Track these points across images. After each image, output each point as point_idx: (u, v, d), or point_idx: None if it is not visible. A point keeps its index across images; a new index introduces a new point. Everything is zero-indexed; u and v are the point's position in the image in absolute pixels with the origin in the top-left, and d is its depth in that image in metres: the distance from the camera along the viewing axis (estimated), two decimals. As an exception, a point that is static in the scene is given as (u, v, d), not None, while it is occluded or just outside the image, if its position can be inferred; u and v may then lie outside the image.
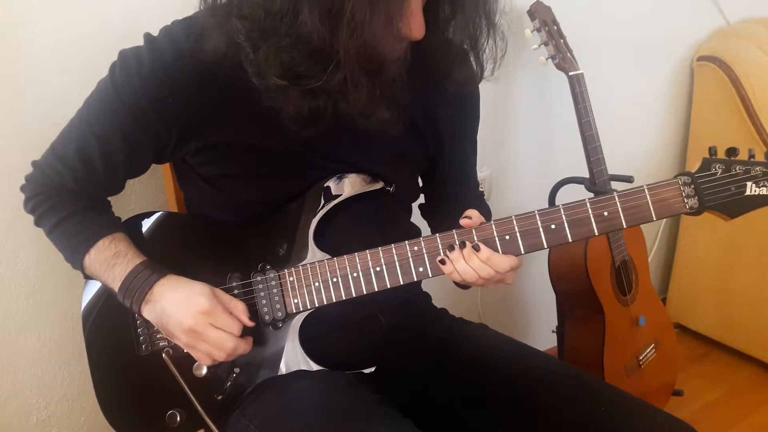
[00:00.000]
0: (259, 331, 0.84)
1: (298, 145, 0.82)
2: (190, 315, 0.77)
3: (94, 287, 0.88)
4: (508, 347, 0.96)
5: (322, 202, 0.84)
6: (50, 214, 0.85)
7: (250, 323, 0.80)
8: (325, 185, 0.85)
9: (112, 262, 0.81)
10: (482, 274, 0.75)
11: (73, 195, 0.85)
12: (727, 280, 1.91)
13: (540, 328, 1.83)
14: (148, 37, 0.78)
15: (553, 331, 1.59)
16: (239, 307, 0.81)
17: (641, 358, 1.55)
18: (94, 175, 0.83)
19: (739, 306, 1.90)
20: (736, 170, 0.73)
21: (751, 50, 1.75)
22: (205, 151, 0.82)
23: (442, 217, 1.02)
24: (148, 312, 0.80)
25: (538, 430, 0.83)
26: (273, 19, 0.65)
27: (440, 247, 0.78)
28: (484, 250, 0.75)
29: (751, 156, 0.74)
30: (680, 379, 1.72)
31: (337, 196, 0.85)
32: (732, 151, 0.74)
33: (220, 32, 0.70)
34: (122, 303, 0.82)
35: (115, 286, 0.81)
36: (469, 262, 0.75)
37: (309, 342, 0.84)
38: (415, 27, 0.69)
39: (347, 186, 0.85)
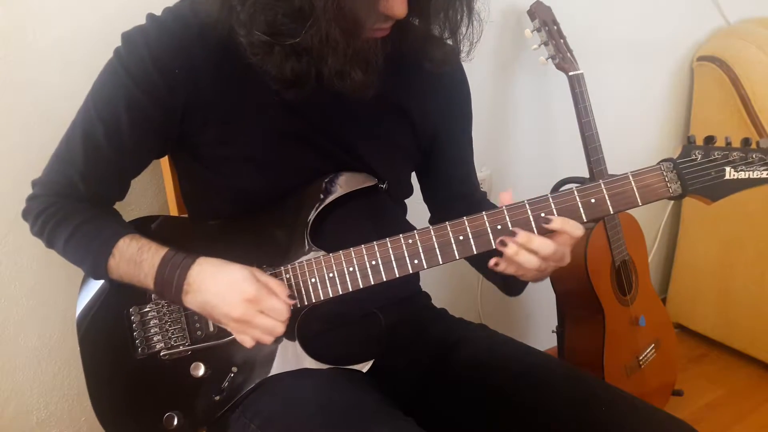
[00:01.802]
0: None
1: (299, 130, 0.83)
2: (237, 305, 0.76)
3: (89, 291, 0.87)
4: (508, 347, 0.96)
5: (318, 199, 0.85)
6: (62, 227, 0.82)
7: (291, 301, 0.79)
8: (320, 183, 0.85)
9: (138, 258, 0.80)
10: (546, 252, 0.75)
11: (82, 202, 0.84)
12: (727, 280, 1.91)
13: (540, 328, 1.83)
14: (151, 15, 0.79)
15: (553, 331, 1.59)
16: (282, 290, 0.79)
17: (641, 358, 1.55)
18: (102, 168, 0.82)
19: (739, 306, 1.90)
20: (714, 155, 0.77)
21: (750, 50, 1.75)
22: (210, 130, 0.82)
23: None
24: (189, 302, 0.79)
25: (538, 430, 0.83)
26: None
27: (434, 239, 0.78)
28: (521, 233, 0.76)
29: (728, 143, 0.78)
30: (680, 379, 1.73)
31: (332, 193, 0.85)
32: (710, 139, 0.78)
33: None
34: (162, 299, 0.81)
35: (149, 282, 0.79)
36: (530, 245, 0.75)
37: (307, 340, 0.84)
38: (397, 4, 0.70)
39: (341, 184, 0.86)
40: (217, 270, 0.79)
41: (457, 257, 0.79)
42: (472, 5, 0.78)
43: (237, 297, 0.76)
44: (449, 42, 0.81)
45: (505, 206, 0.78)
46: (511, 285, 0.94)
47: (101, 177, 0.83)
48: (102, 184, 0.85)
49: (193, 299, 0.79)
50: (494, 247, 0.78)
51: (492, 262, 0.78)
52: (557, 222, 0.76)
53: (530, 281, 0.84)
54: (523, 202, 0.78)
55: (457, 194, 1.03)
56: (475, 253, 0.78)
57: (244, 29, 0.71)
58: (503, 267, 0.78)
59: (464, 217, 0.78)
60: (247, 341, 0.79)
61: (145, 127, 0.80)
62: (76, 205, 0.83)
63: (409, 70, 0.85)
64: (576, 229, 0.76)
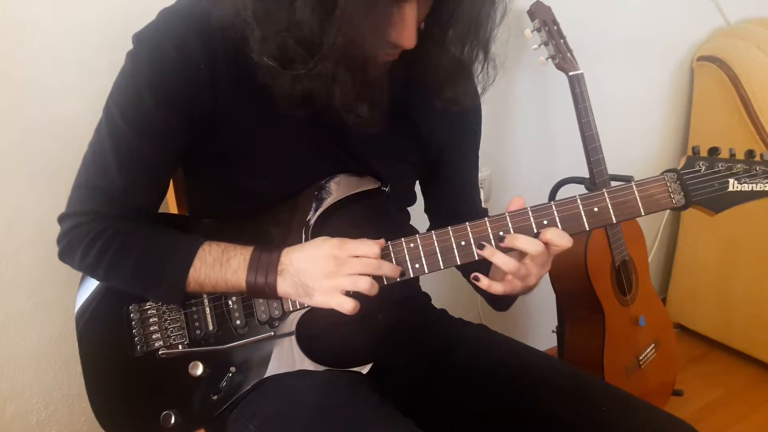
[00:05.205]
0: (256, 330, 0.84)
1: (307, 132, 0.82)
2: (326, 256, 0.77)
3: (88, 288, 0.87)
4: (508, 347, 0.96)
5: (320, 200, 0.85)
6: (126, 252, 0.79)
7: (381, 242, 0.79)
8: (323, 184, 0.85)
9: (223, 258, 0.79)
10: (534, 250, 0.76)
11: (130, 223, 0.81)
12: (727, 280, 1.91)
13: (540, 328, 1.82)
14: (164, 11, 0.77)
15: (553, 331, 1.59)
16: (365, 239, 0.79)
17: (641, 358, 1.55)
18: (140, 175, 0.79)
19: (739, 306, 1.90)
20: (718, 167, 0.77)
21: (751, 50, 1.75)
22: (221, 129, 0.81)
23: None
24: (283, 283, 0.78)
25: (538, 430, 0.83)
26: (273, 2, 0.66)
27: (436, 243, 0.78)
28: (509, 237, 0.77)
29: (732, 154, 0.78)
30: (680, 379, 1.73)
31: (335, 195, 0.85)
32: (714, 150, 0.78)
33: (231, 6, 0.71)
34: (252, 291, 0.80)
35: (239, 277, 0.79)
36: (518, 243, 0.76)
37: (307, 341, 0.84)
38: (406, 35, 0.69)
39: (344, 186, 0.86)
40: (300, 246, 0.80)
41: (459, 262, 0.79)
42: (488, 47, 0.78)
43: (323, 252, 0.77)
44: (462, 81, 0.81)
45: (508, 213, 0.78)
46: (499, 301, 0.94)
47: (139, 184, 0.80)
48: (140, 192, 0.81)
49: (285, 278, 0.78)
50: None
51: (473, 276, 0.79)
52: (547, 233, 0.76)
53: (517, 294, 0.84)
54: (526, 209, 0.78)
55: (459, 211, 1.02)
56: (476, 258, 0.78)
57: (256, 51, 0.70)
58: (486, 284, 0.79)
59: (467, 223, 0.78)
60: (346, 303, 0.76)
61: (169, 107, 0.77)
62: (127, 230, 0.80)
63: (422, 90, 0.84)
64: (565, 241, 0.77)
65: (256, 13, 0.68)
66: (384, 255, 0.79)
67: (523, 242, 0.76)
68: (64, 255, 0.82)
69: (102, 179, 0.79)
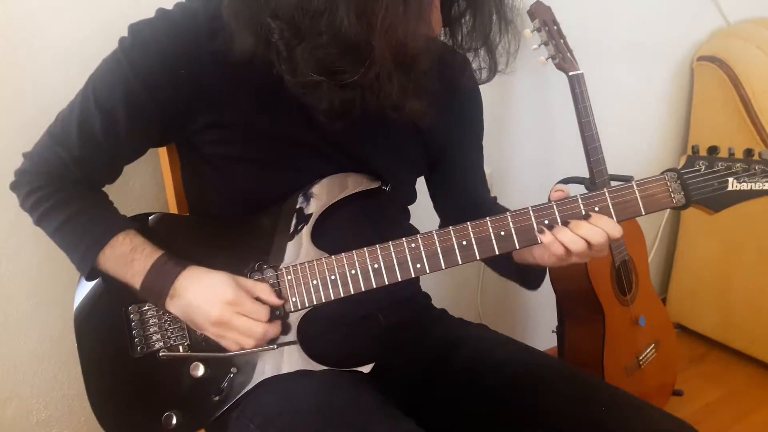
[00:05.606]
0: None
1: (304, 133, 0.82)
2: (216, 306, 0.77)
3: (86, 287, 0.87)
4: (508, 347, 0.96)
5: (322, 199, 0.85)
6: (55, 212, 0.82)
7: (278, 302, 0.80)
8: (322, 183, 0.85)
9: (129, 257, 0.80)
10: (594, 239, 0.75)
11: (76, 187, 0.84)
12: (727, 280, 1.91)
13: (540, 328, 1.83)
14: (161, 9, 0.78)
15: (553, 331, 1.59)
16: (265, 289, 0.80)
17: (641, 358, 1.55)
18: (96, 155, 0.82)
19: (739, 306, 1.90)
20: (717, 166, 0.78)
21: (751, 50, 1.75)
22: (213, 130, 0.81)
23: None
24: (172, 306, 0.80)
25: (538, 430, 0.83)
26: (309, 18, 0.66)
27: (437, 243, 0.78)
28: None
29: (731, 153, 0.79)
30: (680, 379, 1.73)
31: (336, 194, 0.85)
32: (713, 149, 0.79)
33: (248, 32, 0.70)
34: (142, 298, 0.81)
35: (136, 282, 0.80)
36: (577, 231, 0.75)
37: (307, 341, 0.84)
38: (435, 22, 0.70)
39: (346, 185, 0.86)
40: (202, 276, 0.80)
41: (460, 263, 0.79)
42: (506, 16, 0.79)
43: (216, 299, 0.78)
44: (481, 58, 0.82)
45: (509, 212, 0.78)
46: (530, 278, 0.94)
47: (94, 163, 0.83)
48: (94, 170, 0.85)
49: (177, 303, 0.79)
50: (497, 253, 0.78)
51: (538, 228, 0.77)
52: (595, 219, 0.76)
53: (555, 266, 0.82)
54: (527, 208, 0.78)
55: (467, 203, 1.03)
56: (478, 258, 0.78)
57: (293, 70, 0.70)
58: (549, 239, 0.76)
59: (468, 223, 0.78)
60: (231, 346, 0.80)
61: (142, 121, 0.80)
62: (70, 191, 0.83)
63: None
64: (615, 231, 0.76)
65: (285, 34, 0.68)
66: (384, 255, 0.79)
67: (586, 231, 0.75)
68: (14, 188, 0.87)
69: (63, 141, 0.82)
